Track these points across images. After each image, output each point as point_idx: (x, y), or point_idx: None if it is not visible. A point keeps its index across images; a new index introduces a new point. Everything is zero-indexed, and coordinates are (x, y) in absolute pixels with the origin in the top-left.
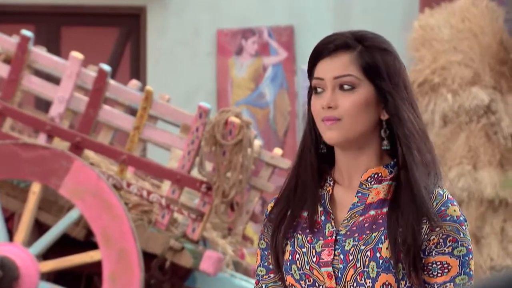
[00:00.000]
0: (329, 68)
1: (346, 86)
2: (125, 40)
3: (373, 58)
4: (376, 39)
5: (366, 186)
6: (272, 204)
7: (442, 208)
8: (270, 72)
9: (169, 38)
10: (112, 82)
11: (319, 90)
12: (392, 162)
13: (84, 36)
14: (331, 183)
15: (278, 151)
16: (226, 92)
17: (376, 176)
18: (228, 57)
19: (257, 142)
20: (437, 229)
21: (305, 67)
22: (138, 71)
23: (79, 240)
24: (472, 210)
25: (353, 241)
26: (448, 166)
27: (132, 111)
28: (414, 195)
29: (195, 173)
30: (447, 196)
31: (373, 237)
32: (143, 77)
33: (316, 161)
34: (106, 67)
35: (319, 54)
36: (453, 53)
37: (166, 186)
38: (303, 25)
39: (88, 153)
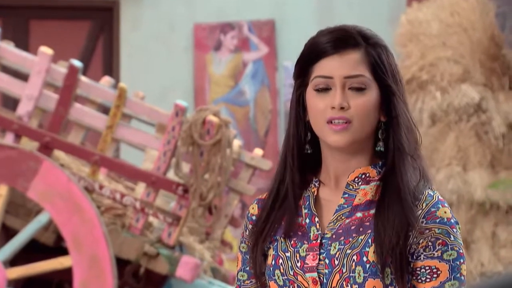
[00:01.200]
0: (338, 66)
1: (357, 86)
2: (97, 35)
3: (380, 57)
4: (375, 36)
5: (353, 187)
6: (254, 205)
7: (432, 210)
8: (250, 68)
9: (144, 33)
10: (83, 78)
11: (322, 88)
12: (380, 162)
13: (54, 30)
14: (316, 184)
15: (258, 151)
16: (203, 90)
17: (363, 176)
18: (206, 52)
19: (237, 142)
20: (426, 231)
21: (287, 63)
22: (111, 67)
23: (49, 245)
24: (461, 213)
25: (339, 245)
26: (436, 167)
27: (105, 109)
28: (402, 197)
29: (171, 175)
30: (438, 197)
31: (360, 241)
32: (116, 74)
33: (299, 162)
34: (77, 63)
35: (322, 50)
36: (442, 49)
37: (141, 188)
38: (284, 19)
39: (58, 153)
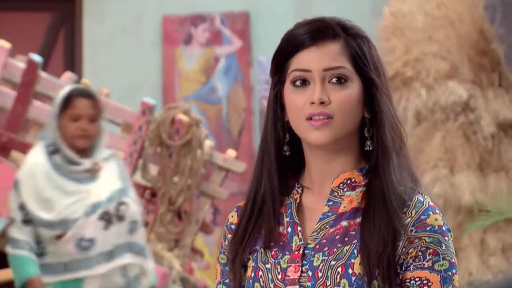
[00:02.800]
0: (316, 59)
1: (338, 79)
2: (58, 27)
3: (361, 48)
4: (356, 27)
5: (338, 193)
6: (233, 213)
7: (422, 217)
8: (223, 63)
9: (109, 25)
10: (43, 74)
11: (301, 83)
12: (367, 166)
13: (11, 23)
14: (299, 189)
15: (231, 152)
16: (173, 86)
17: (349, 182)
18: (176, 46)
19: (208, 143)
20: (416, 241)
21: (262, 58)
22: (73, 62)
23: (5, 253)
24: (448, 219)
25: (322, 256)
26: (421, 170)
27: None
28: (387, 203)
29: (137, 177)
30: (428, 203)
31: (345, 251)
32: (78, 69)
33: (278, 165)
34: (37, 58)
35: (299, 43)
36: (428, 43)
37: None
38: (260, 11)
39: (16, 154)
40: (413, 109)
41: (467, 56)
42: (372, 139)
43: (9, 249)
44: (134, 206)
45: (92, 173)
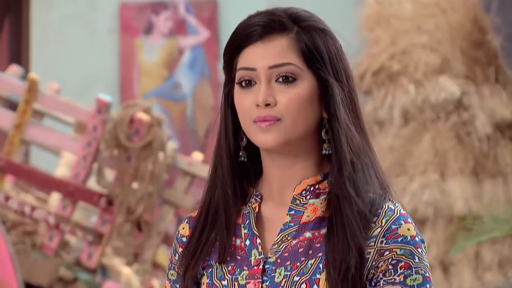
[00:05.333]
0: (262, 56)
1: (285, 78)
2: (3, 15)
3: (313, 41)
4: (312, 18)
5: (300, 201)
6: (184, 225)
7: (393, 227)
8: (188, 56)
9: (59, 12)
10: None
11: (246, 83)
12: None
13: None
14: (258, 198)
15: (197, 156)
16: (131, 81)
17: (312, 188)
18: (135, 36)
19: (171, 145)
20: (386, 253)
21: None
22: (19, 54)
23: None
24: (439, 230)
25: (284, 271)
26: (409, 175)
27: (12, 105)
28: (350, 212)
29: (92, 183)
30: (399, 211)
31: (309, 266)
32: (25, 62)
33: (232, 172)
34: None
35: (245, 38)
36: (416, 34)
37: (55, 200)
38: None
39: None
40: (400, 107)
41: (459, 48)
42: (329, 142)
43: None
44: None
45: None
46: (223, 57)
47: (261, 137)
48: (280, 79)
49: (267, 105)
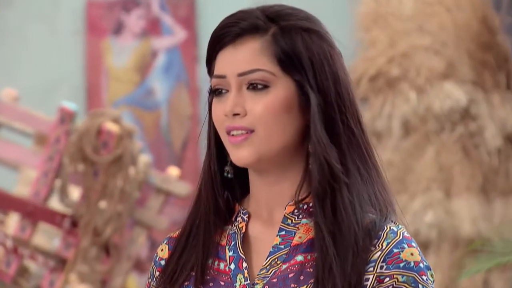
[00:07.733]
0: (231, 61)
1: (255, 86)
2: None
3: (292, 43)
4: (296, 16)
5: (292, 220)
6: (163, 246)
7: (395, 251)
8: (162, 59)
9: (19, 11)
10: None
11: (219, 92)
12: None
13: None
14: (245, 217)
15: (173, 171)
16: (99, 87)
17: (305, 207)
18: (102, 37)
19: (144, 159)
20: (387, 279)
21: None
22: None
23: None
24: (443, 255)
25: None
26: (410, 193)
27: None
28: (345, 235)
29: (54, 203)
30: (403, 234)
31: None
32: None
33: (216, 189)
34: None
35: (218, 41)
36: (418, 35)
37: (13, 221)
38: None
39: None
40: (400, 117)
41: (466, 51)
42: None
43: None
44: None
45: None
46: (206, 61)
47: (235, 153)
48: (250, 87)
49: (236, 114)
